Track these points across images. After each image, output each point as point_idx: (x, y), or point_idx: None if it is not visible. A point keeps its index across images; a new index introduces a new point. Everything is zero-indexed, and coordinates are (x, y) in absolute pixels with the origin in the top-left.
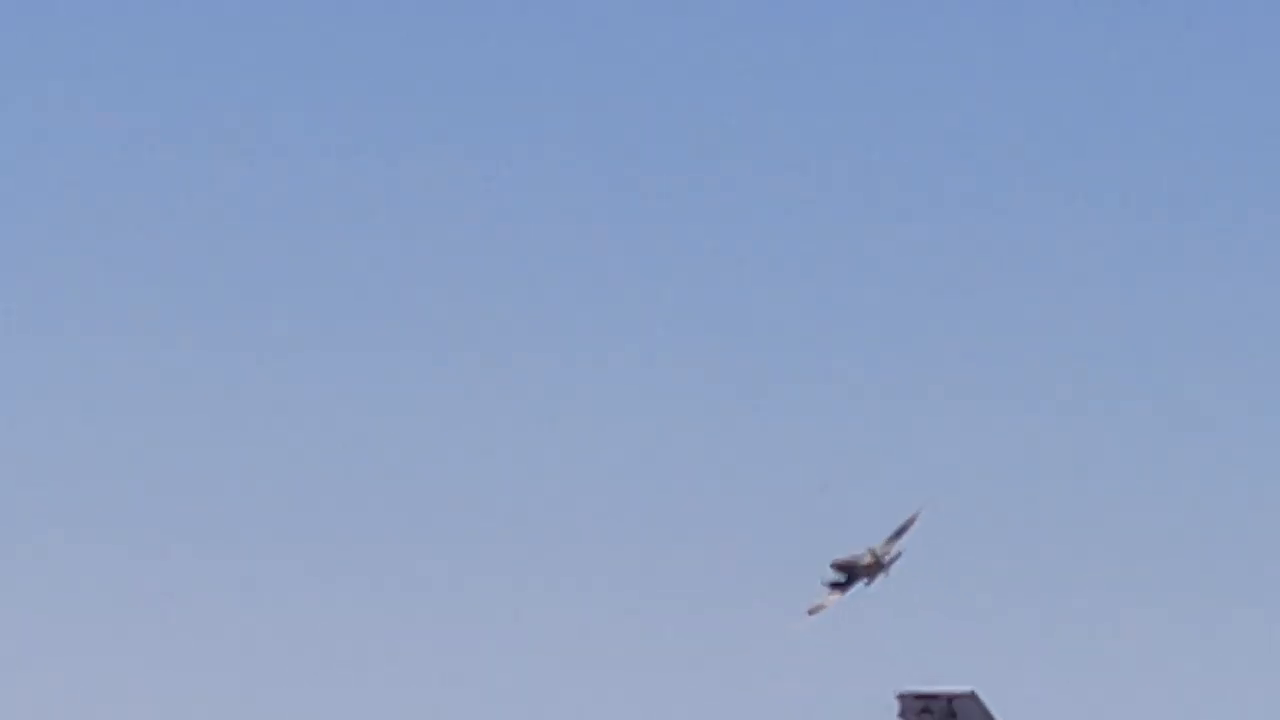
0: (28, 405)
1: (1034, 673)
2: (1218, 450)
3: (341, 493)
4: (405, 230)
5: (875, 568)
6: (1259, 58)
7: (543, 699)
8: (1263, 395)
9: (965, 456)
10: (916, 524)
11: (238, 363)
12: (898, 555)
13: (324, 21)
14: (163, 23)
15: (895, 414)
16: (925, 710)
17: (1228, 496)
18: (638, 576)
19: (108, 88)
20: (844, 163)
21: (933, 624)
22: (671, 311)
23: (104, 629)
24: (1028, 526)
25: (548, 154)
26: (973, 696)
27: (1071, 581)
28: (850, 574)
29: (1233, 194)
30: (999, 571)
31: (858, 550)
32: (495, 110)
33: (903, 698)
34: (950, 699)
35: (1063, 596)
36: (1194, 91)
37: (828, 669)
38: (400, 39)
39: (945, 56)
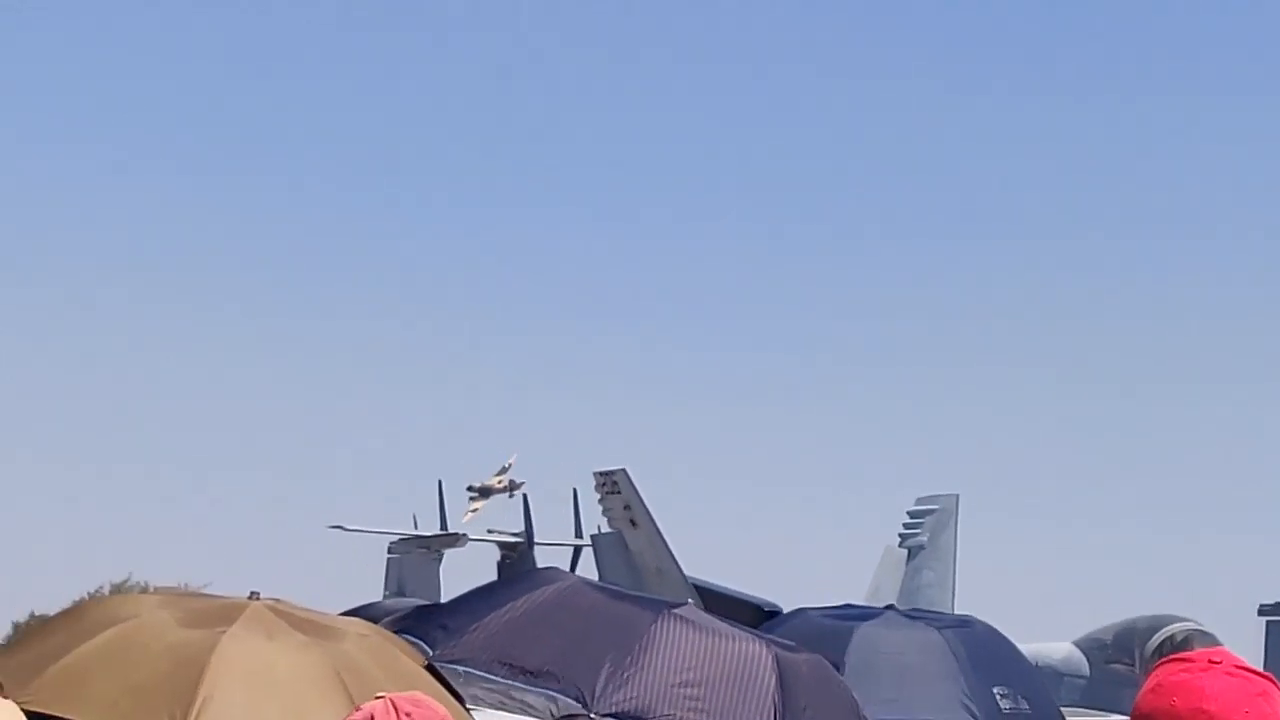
0: None
1: None
2: None
3: None
4: None
5: (510, 487)
6: None
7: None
8: None
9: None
10: (514, 462)
11: None
12: (521, 482)
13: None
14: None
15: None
16: None
17: None
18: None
19: None
20: None
21: None
22: None
23: None
24: None
25: None
26: None
27: None
28: (488, 492)
29: None
30: None
31: (486, 479)
32: None
33: None
34: None
35: None
36: None
37: None
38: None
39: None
